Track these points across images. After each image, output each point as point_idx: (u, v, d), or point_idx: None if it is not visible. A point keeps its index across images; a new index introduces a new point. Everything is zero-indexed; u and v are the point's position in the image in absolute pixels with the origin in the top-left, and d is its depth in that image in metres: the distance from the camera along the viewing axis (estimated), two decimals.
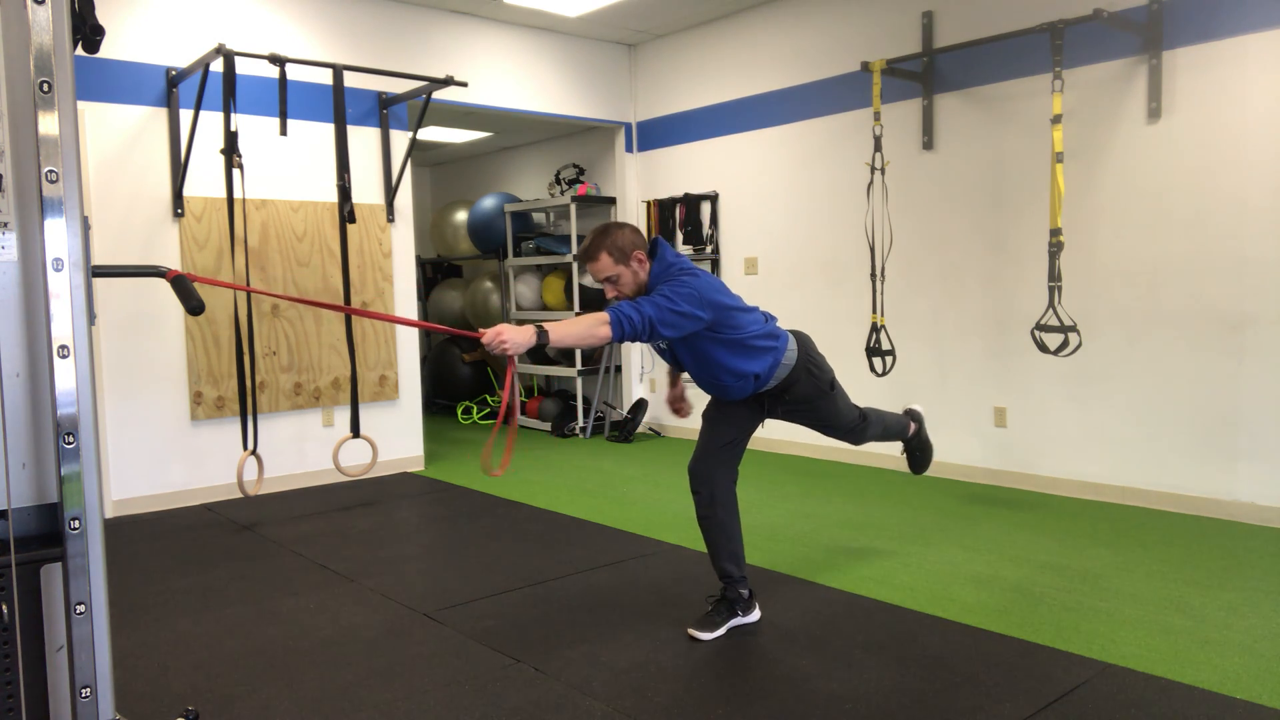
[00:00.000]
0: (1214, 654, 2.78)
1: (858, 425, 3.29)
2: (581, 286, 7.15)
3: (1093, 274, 4.65)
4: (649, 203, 7.07)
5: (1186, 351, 4.37)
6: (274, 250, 5.31)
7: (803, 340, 3.09)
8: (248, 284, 4.74)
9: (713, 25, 6.53)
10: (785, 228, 6.14)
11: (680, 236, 6.85)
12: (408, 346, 5.91)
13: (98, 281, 4.55)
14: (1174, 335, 4.41)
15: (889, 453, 5.62)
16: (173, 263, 4.99)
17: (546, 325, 2.60)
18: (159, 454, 4.98)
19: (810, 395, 3.09)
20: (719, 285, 2.91)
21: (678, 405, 3.38)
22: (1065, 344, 4.29)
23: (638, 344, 7.13)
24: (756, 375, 2.96)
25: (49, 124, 1.33)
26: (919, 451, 3.71)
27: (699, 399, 3.29)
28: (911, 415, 3.66)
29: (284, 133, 4.49)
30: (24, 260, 1.38)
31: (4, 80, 1.36)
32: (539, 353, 7.63)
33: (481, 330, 2.57)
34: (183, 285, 2.02)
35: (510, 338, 2.50)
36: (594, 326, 2.65)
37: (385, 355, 5.79)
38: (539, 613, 3.25)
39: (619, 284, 2.90)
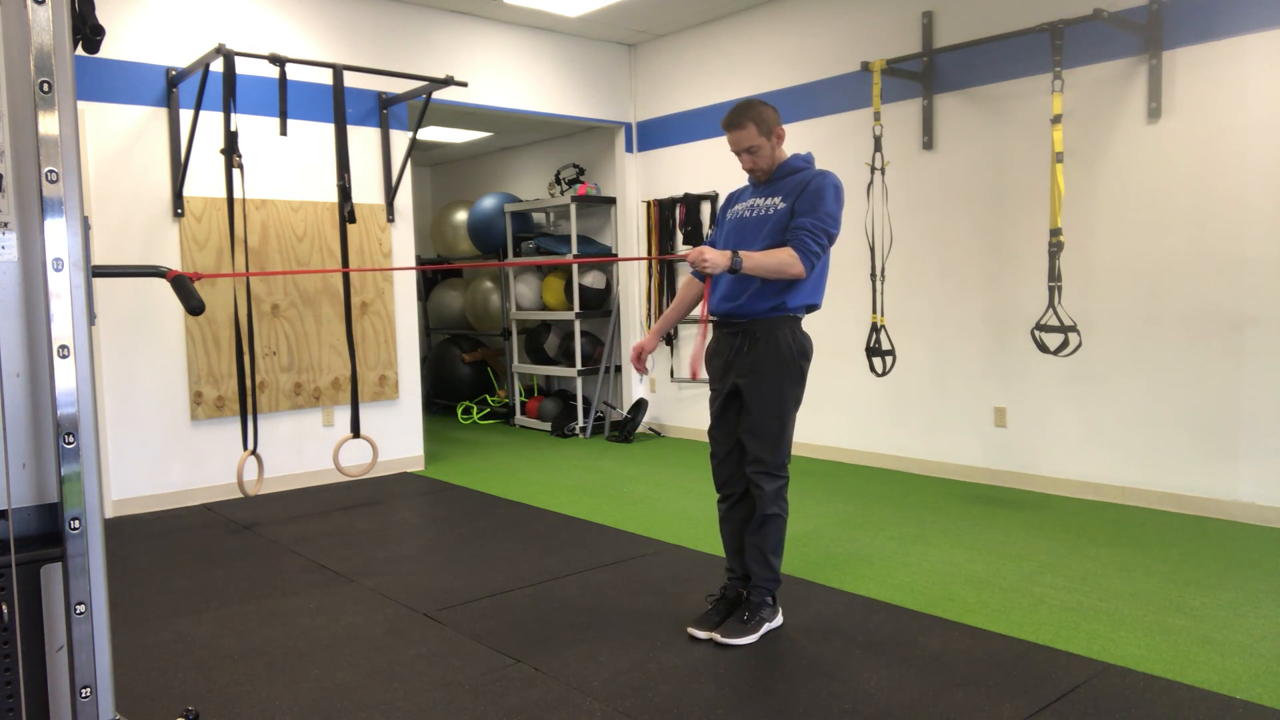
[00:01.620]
0: (1214, 654, 2.78)
1: (773, 473, 2.92)
2: (582, 287, 7.15)
3: (1093, 274, 4.65)
4: (649, 203, 7.07)
5: (1187, 351, 4.37)
6: (274, 250, 5.30)
7: (803, 327, 3.03)
8: (248, 286, 4.73)
9: (713, 25, 6.53)
10: None
11: (680, 236, 6.86)
12: (408, 346, 5.91)
13: (98, 281, 4.56)
14: (1174, 335, 4.41)
15: (889, 453, 5.63)
16: (173, 263, 4.99)
17: (742, 253, 2.75)
18: (159, 454, 4.98)
19: (773, 364, 2.89)
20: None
21: (641, 360, 3.13)
22: (1065, 344, 4.29)
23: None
24: (782, 303, 2.90)
25: (49, 124, 1.33)
26: (748, 619, 2.95)
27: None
28: (775, 601, 3.04)
29: (284, 133, 4.49)
30: (24, 260, 1.38)
31: (4, 80, 1.36)
32: (539, 353, 7.63)
33: (687, 252, 2.68)
34: (183, 285, 2.02)
35: (711, 258, 2.70)
36: (788, 264, 2.80)
37: (385, 355, 5.79)
38: (539, 613, 3.25)
39: (757, 155, 2.97)
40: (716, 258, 2.70)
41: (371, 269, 2.54)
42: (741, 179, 6.39)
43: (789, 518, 3.04)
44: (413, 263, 5.96)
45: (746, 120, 2.93)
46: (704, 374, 3.16)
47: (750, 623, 2.95)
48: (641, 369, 3.16)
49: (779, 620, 3.04)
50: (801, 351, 2.94)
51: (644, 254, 7.14)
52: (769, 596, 3.01)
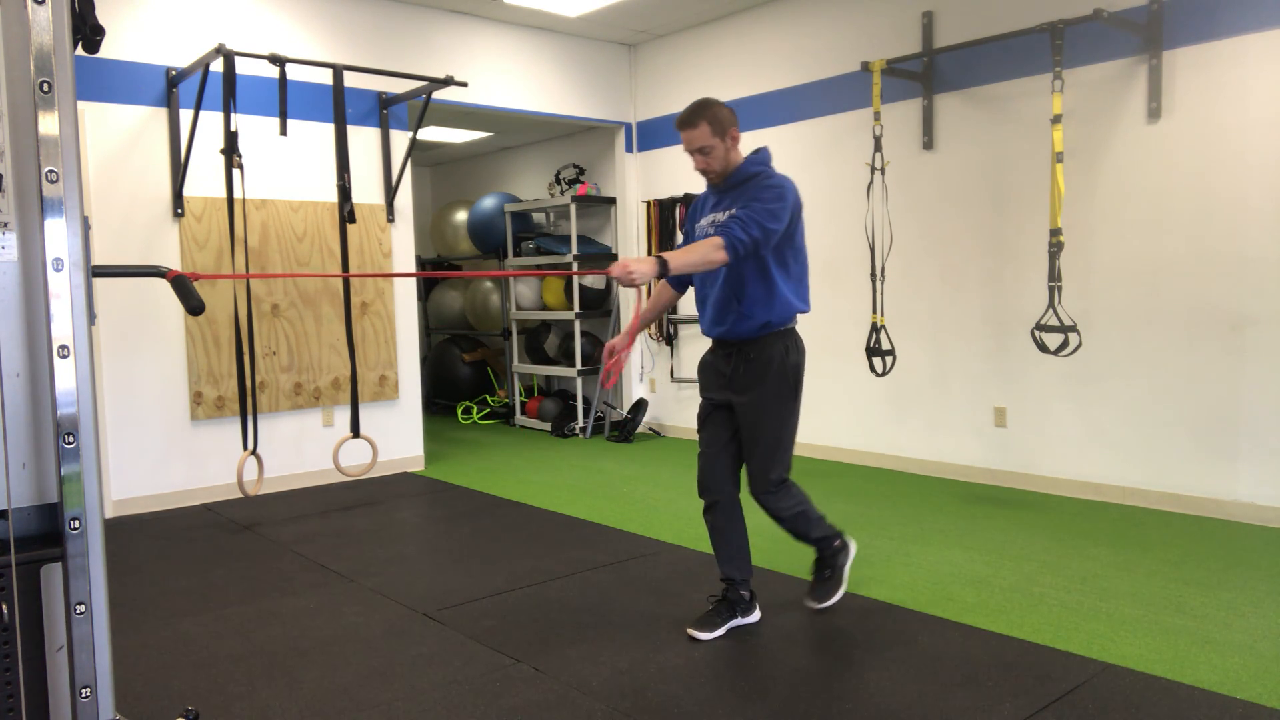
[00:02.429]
0: (1214, 654, 2.78)
1: (778, 484, 2.99)
2: (582, 287, 7.15)
3: (1093, 274, 4.65)
4: (649, 203, 7.07)
5: (1187, 352, 4.37)
6: (274, 250, 5.30)
7: (798, 334, 3.04)
8: (248, 286, 4.73)
9: (713, 25, 6.53)
10: None
11: (680, 237, 6.85)
12: (408, 346, 5.91)
13: (98, 281, 4.55)
14: (1174, 335, 4.41)
15: (889, 453, 5.63)
16: (173, 263, 4.99)
17: (666, 255, 2.68)
18: (159, 454, 4.98)
19: (768, 377, 2.92)
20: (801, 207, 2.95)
21: (617, 359, 3.09)
22: (1065, 344, 4.29)
23: (638, 345, 7.14)
24: (768, 322, 2.92)
25: (49, 124, 1.33)
26: (830, 572, 3.17)
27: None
28: (842, 538, 3.22)
29: (284, 133, 4.49)
30: (24, 260, 1.38)
31: (4, 80, 1.36)
32: (539, 353, 7.63)
33: (609, 267, 2.63)
34: (183, 285, 2.02)
35: (637, 269, 2.62)
36: (711, 252, 2.72)
37: (385, 355, 5.79)
38: (539, 613, 3.25)
39: (710, 156, 2.92)
40: (641, 268, 2.62)
41: (372, 274, 2.55)
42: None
43: (807, 497, 3.12)
44: (412, 263, 5.96)
45: (700, 120, 2.89)
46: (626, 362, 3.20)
47: (833, 577, 3.17)
48: (611, 369, 3.08)
49: (854, 549, 3.26)
50: (794, 370, 2.98)
51: (644, 254, 7.14)
52: (835, 542, 3.18)
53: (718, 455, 3.06)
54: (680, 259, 2.70)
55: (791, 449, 3.03)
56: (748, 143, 6.29)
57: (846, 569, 3.20)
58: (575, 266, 7.11)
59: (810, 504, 3.12)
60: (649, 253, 7.08)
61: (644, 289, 6.56)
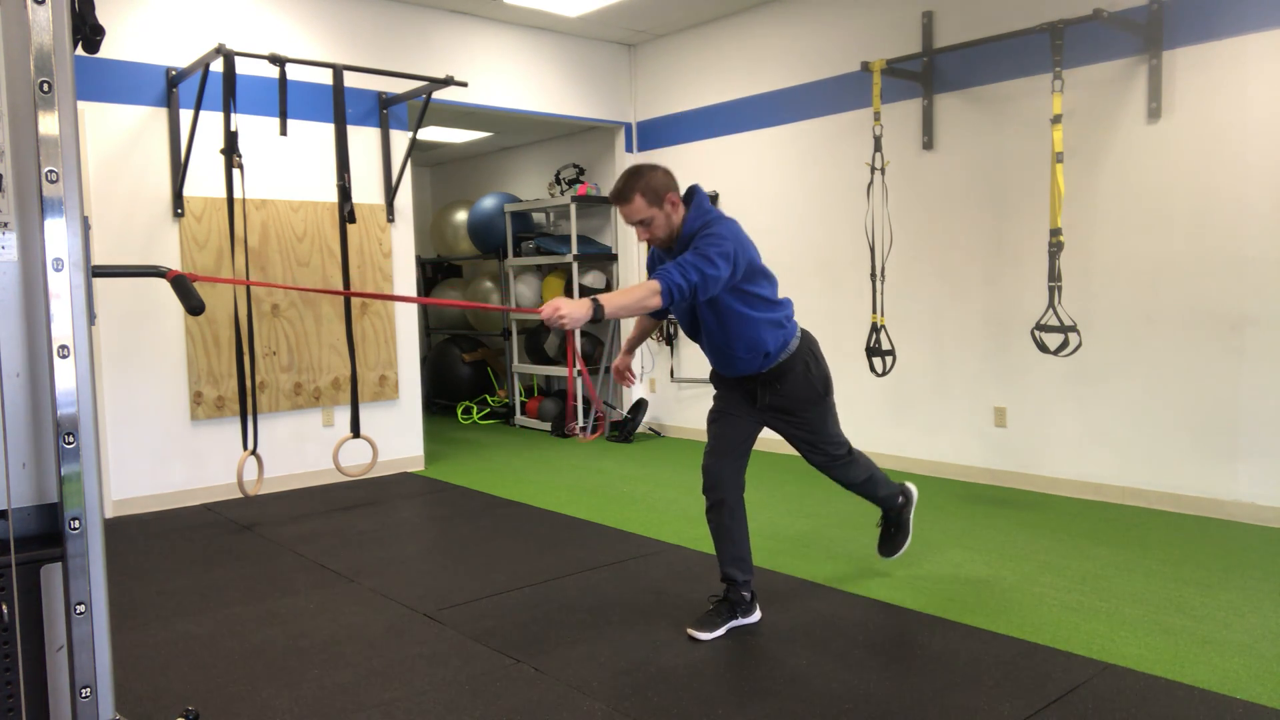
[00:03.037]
0: (1214, 654, 2.78)
1: (843, 457, 3.20)
2: (582, 286, 7.15)
3: (1093, 274, 4.65)
4: None
5: (1187, 351, 4.37)
6: (274, 250, 5.31)
7: (807, 335, 3.10)
8: (247, 286, 4.73)
9: (713, 25, 6.53)
10: (785, 228, 6.14)
11: None
12: (408, 346, 5.92)
13: (98, 281, 4.56)
14: (1174, 335, 4.41)
15: (889, 453, 5.63)
16: (173, 262, 4.99)
17: (601, 298, 2.61)
18: (159, 454, 4.98)
19: (801, 392, 3.04)
20: (750, 243, 2.90)
21: (623, 375, 3.29)
22: (1065, 344, 4.29)
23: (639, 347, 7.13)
24: (767, 353, 2.95)
25: (49, 124, 1.33)
26: (896, 529, 3.49)
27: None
28: (904, 490, 3.47)
29: (284, 133, 4.49)
30: (24, 260, 1.38)
31: (4, 80, 1.36)
32: (539, 353, 7.63)
33: (539, 307, 2.57)
34: (183, 285, 2.02)
35: (568, 312, 2.53)
36: (645, 297, 2.66)
37: (385, 355, 5.79)
38: (539, 613, 3.25)
39: (652, 227, 2.88)
40: (573, 310, 2.53)
41: (369, 295, 2.54)
42: (744, 179, 6.44)
43: (863, 458, 3.30)
44: (412, 263, 5.95)
45: (633, 194, 2.83)
46: (632, 379, 3.32)
47: (900, 531, 3.47)
48: (626, 381, 3.30)
49: (915, 497, 3.50)
50: (821, 377, 3.09)
51: (644, 255, 7.14)
52: (899, 499, 3.42)
53: (727, 455, 3.06)
54: (615, 301, 2.63)
55: (840, 431, 3.21)
56: (750, 142, 6.32)
57: (910, 519, 3.48)
58: (576, 266, 7.11)
59: (876, 468, 3.34)
60: (649, 252, 7.07)
61: None
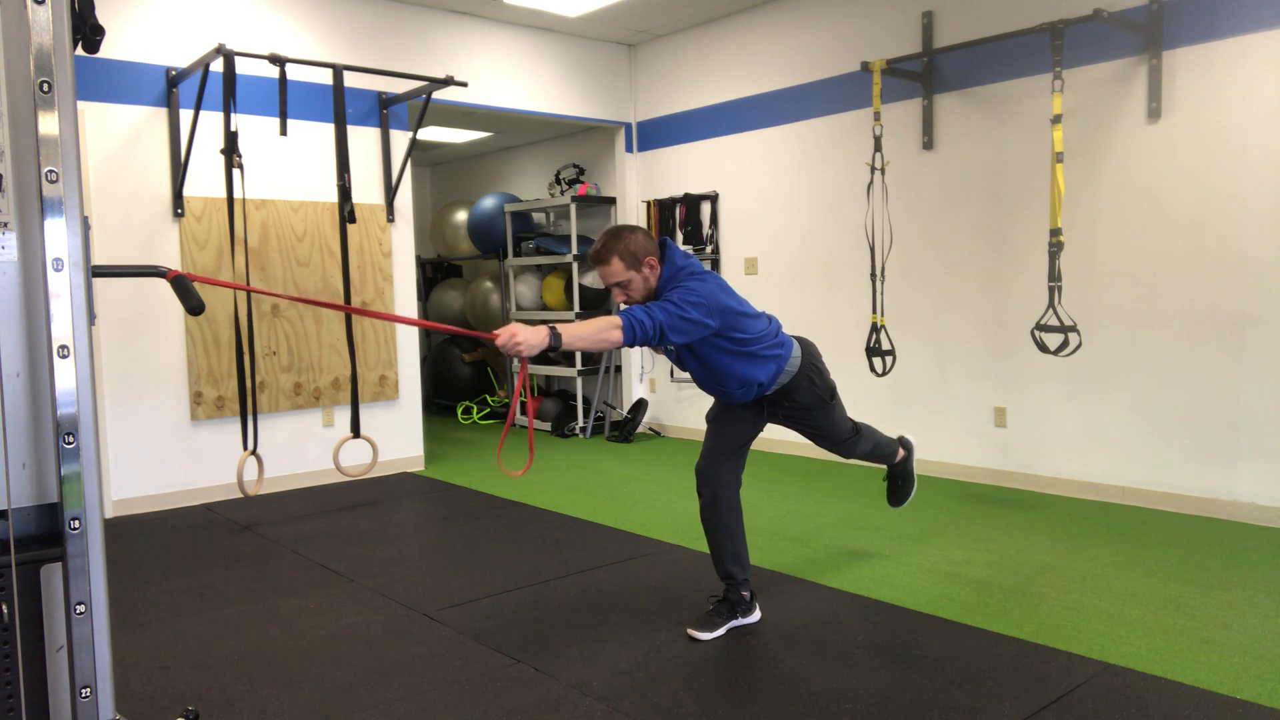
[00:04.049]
0: (1214, 654, 2.78)
1: (850, 438, 3.27)
2: (581, 286, 7.15)
3: (1093, 274, 4.65)
4: (649, 203, 7.08)
5: (1187, 351, 4.37)
6: (274, 250, 5.31)
7: (807, 347, 3.09)
8: (248, 284, 4.73)
9: (713, 25, 6.53)
10: (785, 228, 6.14)
11: (680, 236, 6.85)
12: (408, 346, 5.91)
13: (98, 281, 4.55)
14: (1174, 335, 4.41)
15: None
16: (173, 263, 4.99)
17: (559, 327, 2.58)
18: (159, 454, 4.98)
19: (809, 403, 3.08)
20: (727, 288, 2.88)
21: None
22: (1065, 344, 4.29)
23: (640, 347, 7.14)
24: (760, 383, 2.97)
25: (49, 124, 1.33)
26: (901, 480, 3.62)
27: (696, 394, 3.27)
28: (903, 442, 3.59)
29: (284, 133, 4.49)
30: (24, 260, 1.38)
31: (4, 80, 1.36)
32: (540, 353, 7.62)
33: (495, 332, 2.54)
34: (183, 285, 2.02)
35: (525, 339, 2.49)
36: (606, 330, 2.63)
37: (385, 355, 5.79)
38: (539, 613, 3.25)
39: (629, 289, 2.87)
40: (529, 337, 2.49)
41: (370, 314, 2.54)
42: (744, 179, 6.44)
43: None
44: (412, 263, 5.95)
45: (611, 256, 2.81)
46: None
47: (905, 483, 3.60)
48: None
49: (914, 446, 3.61)
50: (824, 386, 3.11)
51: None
52: (900, 453, 3.53)
53: (724, 453, 3.07)
54: (574, 332, 2.61)
55: (849, 418, 3.27)
56: (750, 142, 6.31)
57: (913, 468, 3.61)
58: (575, 266, 7.11)
59: (878, 434, 3.41)
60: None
61: None
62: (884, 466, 3.64)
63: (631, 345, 2.68)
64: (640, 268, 2.84)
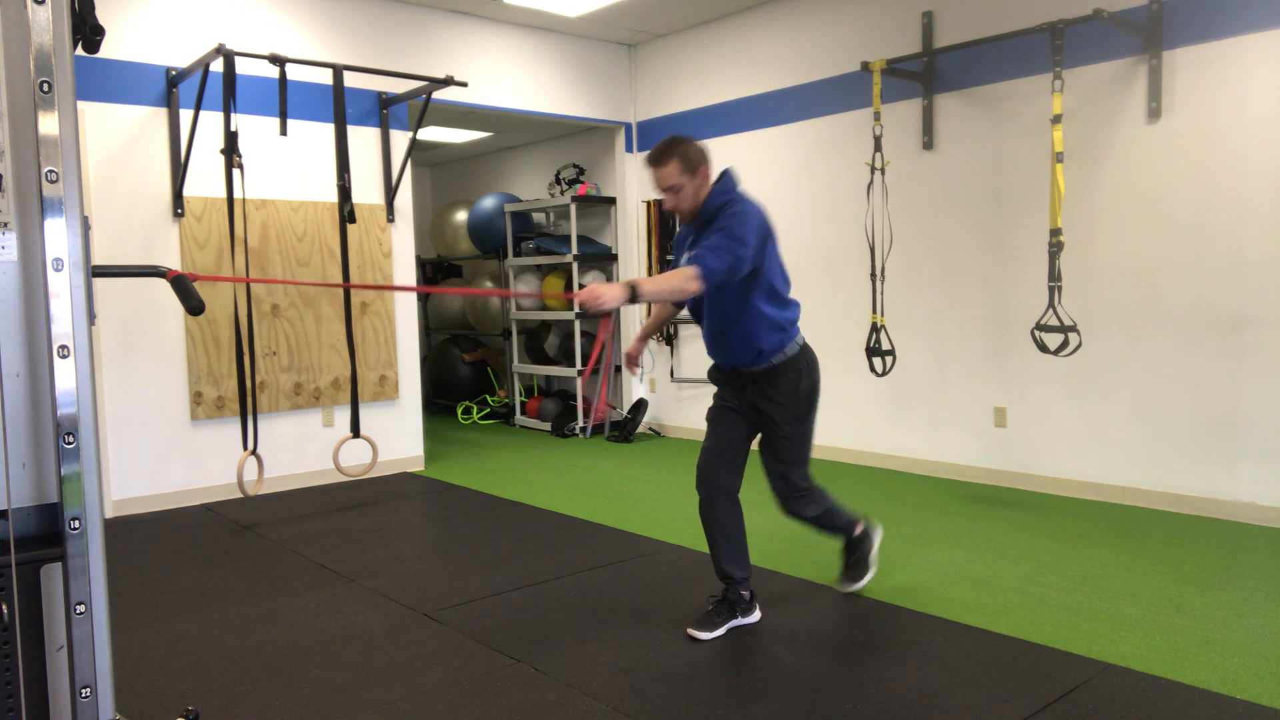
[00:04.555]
0: (1214, 654, 2.78)
1: (803, 491, 3.09)
2: (581, 286, 7.15)
3: (1093, 274, 4.65)
4: (649, 203, 7.07)
5: (1187, 351, 4.37)
6: (274, 250, 5.30)
7: (809, 351, 3.09)
8: (248, 286, 4.73)
9: (713, 25, 6.53)
10: (785, 228, 6.08)
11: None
12: (408, 346, 5.91)
13: (98, 281, 4.55)
14: (1174, 335, 4.41)
15: (889, 452, 5.63)
16: (173, 262, 4.99)
17: (638, 281, 2.65)
18: (159, 454, 4.98)
19: (785, 398, 3.00)
20: (773, 231, 2.94)
21: (633, 361, 3.32)
22: (1065, 344, 4.29)
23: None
24: (760, 350, 2.95)
25: (49, 124, 1.33)
26: (857, 561, 3.31)
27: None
28: (868, 524, 3.35)
29: (284, 133, 4.49)
30: (24, 260, 1.38)
31: (4, 80, 1.36)
32: (539, 353, 7.63)
33: (576, 292, 2.61)
34: (183, 285, 2.02)
35: (606, 295, 2.57)
36: (684, 282, 2.70)
37: (385, 355, 5.79)
38: (539, 613, 3.25)
39: (680, 194, 2.91)
40: (610, 293, 2.57)
41: (372, 286, 2.54)
42: (744, 178, 6.41)
43: (822, 489, 3.19)
44: (412, 263, 5.95)
45: (670, 157, 2.87)
46: (641, 366, 3.33)
47: (860, 561, 3.31)
48: (633, 369, 3.30)
49: (879, 536, 3.37)
50: (810, 392, 3.04)
51: (644, 255, 7.15)
52: (858, 530, 3.30)
53: (724, 452, 3.06)
54: (651, 286, 2.69)
55: (809, 457, 3.11)
56: (750, 142, 6.31)
57: (873, 554, 3.33)
58: (576, 266, 7.11)
59: (833, 503, 3.22)
60: (649, 252, 7.08)
61: None
62: (840, 539, 3.34)
63: (709, 289, 2.76)
64: (695, 175, 2.90)
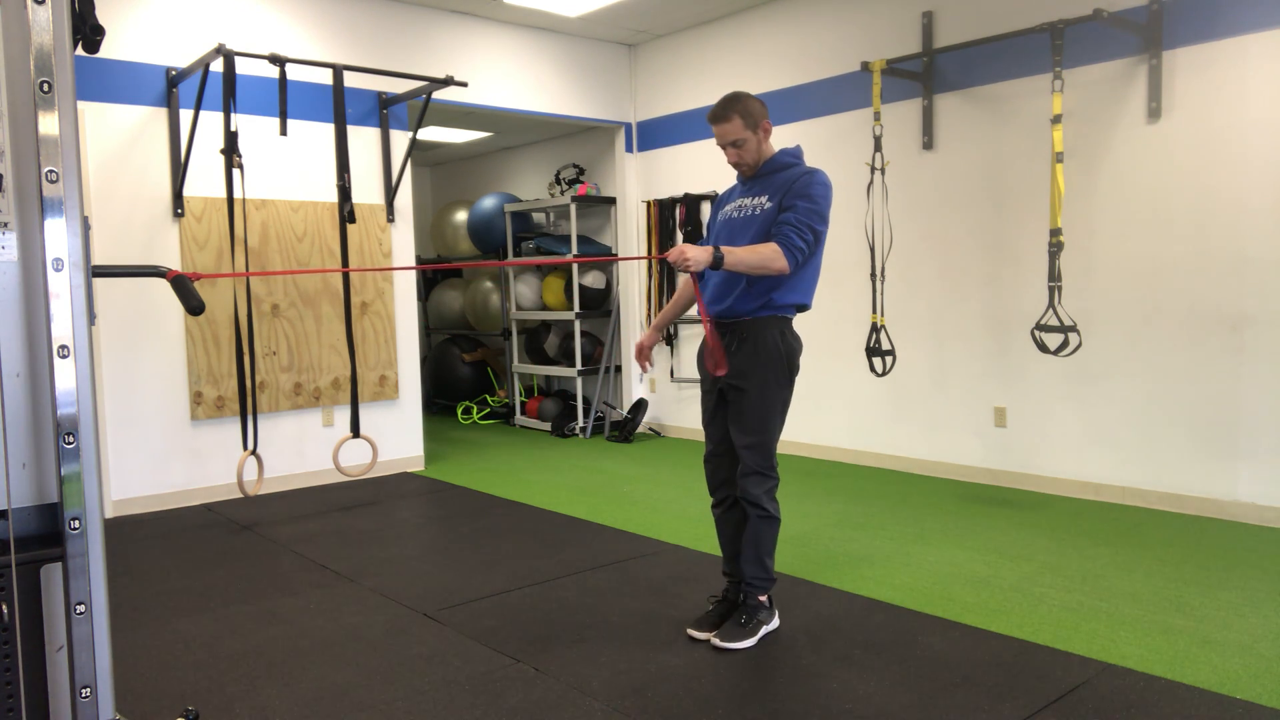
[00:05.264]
0: (1214, 654, 2.78)
1: (766, 477, 2.91)
2: (582, 286, 7.15)
3: (1093, 274, 4.65)
4: (649, 203, 7.07)
5: (1187, 351, 4.37)
6: (274, 250, 5.30)
7: (796, 333, 2.98)
8: (248, 286, 4.73)
9: (713, 25, 6.53)
10: None
11: (680, 236, 6.85)
12: (408, 346, 5.91)
13: (98, 281, 4.55)
14: (1174, 335, 4.41)
15: (889, 453, 5.63)
16: (173, 263, 4.99)
17: (725, 249, 2.71)
18: (159, 454, 4.98)
19: (761, 358, 2.87)
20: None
21: (644, 353, 3.18)
22: (1065, 344, 4.29)
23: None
24: (768, 301, 2.87)
25: (49, 124, 1.33)
26: (746, 621, 2.93)
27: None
28: (771, 600, 3.03)
29: (284, 133, 4.49)
30: (24, 260, 1.38)
31: (4, 80, 1.36)
32: (539, 353, 7.63)
33: (667, 252, 2.64)
34: (183, 285, 2.02)
35: (693, 255, 2.66)
36: (770, 259, 2.76)
37: (385, 355, 5.79)
38: (539, 613, 3.25)
39: (743, 149, 2.93)
40: (698, 254, 2.66)
41: (372, 269, 2.54)
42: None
43: (781, 519, 3.01)
44: (412, 263, 5.95)
45: (732, 113, 2.89)
46: (651, 362, 3.25)
47: (748, 626, 2.93)
48: (644, 364, 3.22)
49: (775, 622, 3.04)
50: (789, 354, 2.91)
51: (644, 254, 7.14)
52: (764, 598, 2.99)
53: (725, 455, 3.06)
54: (736, 256, 2.73)
55: (777, 438, 2.95)
56: None
57: (763, 631, 2.96)
58: (575, 268, 7.10)
59: (772, 541, 2.97)
60: (649, 252, 7.07)
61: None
62: (737, 579, 3.05)
63: (793, 269, 2.80)
64: (757, 130, 2.92)
